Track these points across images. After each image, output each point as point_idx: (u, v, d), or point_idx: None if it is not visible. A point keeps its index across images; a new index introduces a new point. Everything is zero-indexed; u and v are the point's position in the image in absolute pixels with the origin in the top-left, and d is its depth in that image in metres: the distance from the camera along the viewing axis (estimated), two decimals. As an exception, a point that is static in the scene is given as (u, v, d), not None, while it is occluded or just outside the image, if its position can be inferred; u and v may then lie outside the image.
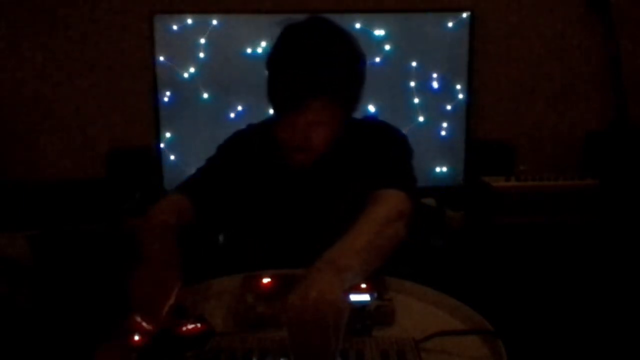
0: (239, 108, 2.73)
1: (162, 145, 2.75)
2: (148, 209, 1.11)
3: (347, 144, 1.20)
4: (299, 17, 1.21)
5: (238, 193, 1.25)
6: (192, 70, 2.72)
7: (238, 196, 1.25)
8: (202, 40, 2.71)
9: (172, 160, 2.76)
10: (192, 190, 1.21)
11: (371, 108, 2.72)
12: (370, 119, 1.32)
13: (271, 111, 1.17)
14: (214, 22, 2.70)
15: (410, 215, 1.03)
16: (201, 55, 2.72)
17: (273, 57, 1.14)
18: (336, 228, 0.94)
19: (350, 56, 1.17)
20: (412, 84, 2.76)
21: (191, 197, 1.19)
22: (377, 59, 2.72)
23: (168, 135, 2.76)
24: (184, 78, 2.73)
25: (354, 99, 1.19)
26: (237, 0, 2.76)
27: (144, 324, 0.85)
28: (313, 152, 1.15)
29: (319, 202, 1.23)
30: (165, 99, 2.74)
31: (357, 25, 2.70)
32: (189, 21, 2.71)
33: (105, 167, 2.79)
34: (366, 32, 2.71)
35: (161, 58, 2.71)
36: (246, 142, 1.31)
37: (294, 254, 1.12)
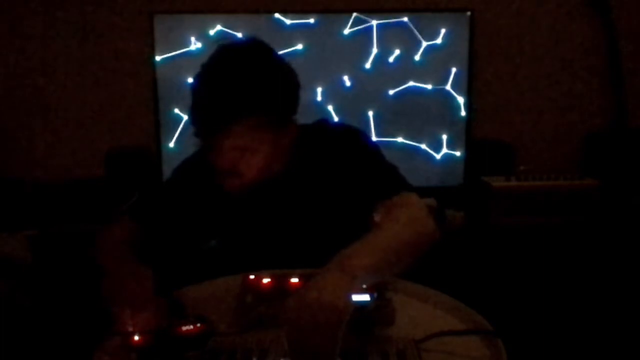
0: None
1: (161, 145, 2.75)
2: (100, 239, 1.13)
3: (305, 157, 1.18)
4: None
5: (190, 217, 1.24)
6: (191, 70, 2.72)
7: (190, 219, 1.24)
8: (202, 40, 2.71)
9: (172, 161, 2.75)
10: (139, 214, 1.22)
11: (370, 108, 2.73)
12: (322, 124, 1.29)
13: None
14: (214, 22, 2.70)
15: (431, 210, 1.04)
16: (201, 55, 2.71)
17: (199, 77, 1.10)
18: (311, 244, 0.93)
19: (278, 80, 1.12)
20: (412, 83, 2.76)
21: (137, 222, 1.20)
22: (377, 59, 2.72)
23: (168, 135, 2.76)
24: (183, 78, 2.73)
25: (284, 123, 1.14)
26: (237, 0, 2.76)
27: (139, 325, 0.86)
28: (245, 178, 1.11)
29: (286, 221, 1.20)
30: (165, 99, 2.73)
31: (356, 25, 2.70)
32: (189, 21, 2.70)
33: (105, 167, 2.79)
34: (365, 31, 2.71)
35: (161, 58, 2.71)
36: (198, 165, 1.26)
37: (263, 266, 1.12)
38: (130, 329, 0.85)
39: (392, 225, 0.96)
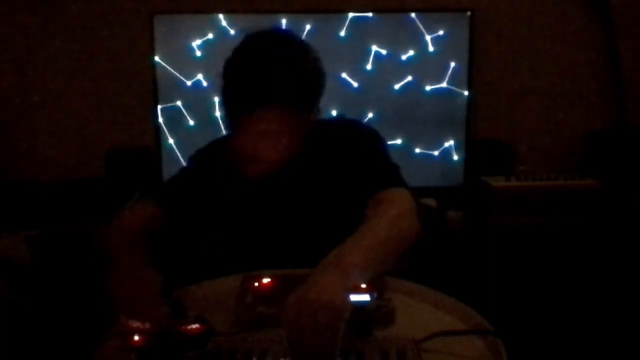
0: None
1: (161, 145, 2.75)
2: (115, 216, 1.13)
3: (314, 147, 1.19)
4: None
5: (205, 203, 1.25)
6: (191, 70, 2.72)
7: (206, 206, 1.25)
8: (202, 40, 2.71)
9: (172, 160, 2.76)
10: (162, 197, 1.23)
11: (371, 108, 2.73)
12: (337, 119, 1.30)
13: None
14: (214, 22, 2.70)
15: (418, 209, 1.04)
16: (201, 55, 2.72)
17: (229, 63, 1.12)
18: (312, 234, 0.93)
19: (306, 70, 1.13)
20: (412, 84, 2.76)
21: (161, 205, 1.20)
22: (376, 60, 2.72)
23: (167, 135, 2.76)
24: (183, 78, 2.73)
25: (309, 111, 1.16)
26: (237, 0, 2.76)
27: (140, 325, 0.86)
28: (267, 164, 1.13)
29: (291, 210, 1.22)
30: (165, 99, 2.74)
31: (355, 25, 2.70)
32: (189, 21, 2.71)
33: (105, 167, 2.79)
34: (365, 32, 2.71)
35: (161, 58, 2.71)
36: (215, 153, 1.30)
37: (270, 260, 1.12)
38: (131, 330, 0.85)
39: (380, 222, 0.96)
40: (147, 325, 0.86)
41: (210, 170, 1.26)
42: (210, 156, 1.29)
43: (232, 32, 2.71)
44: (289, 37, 1.15)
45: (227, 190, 1.24)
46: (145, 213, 1.18)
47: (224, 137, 1.32)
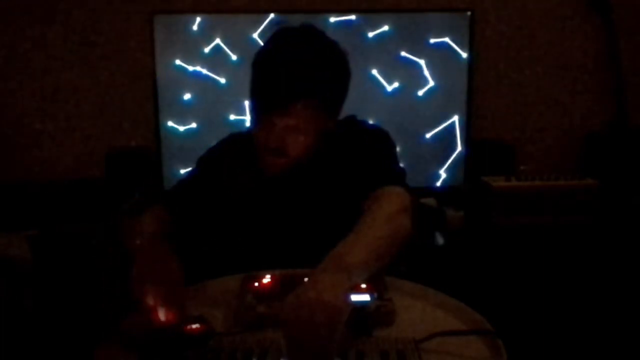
0: (240, 109, 2.73)
1: (161, 145, 2.75)
2: (131, 224, 1.13)
3: (328, 147, 1.20)
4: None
5: (217, 202, 1.26)
6: (192, 70, 2.72)
7: (217, 205, 1.26)
8: (203, 40, 2.71)
9: (172, 161, 2.76)
10: (170, 202, 1.24)
11: (370, 108, 2.73)
12: (349, 119, 1.32)
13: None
14: (214, 22, 2.70)
15: (412, 208, 1.04)
16: (201, 55, 2.72)
17: (261, 57, 1.15)
18: (321, 233, 0.94)
19: (336, 68, 1.17)
20: (412, 84, 2.76)
21: (169, 210, 1.21)
22: (375, 61, 2.72)
23: (168, 135, 2.76)
24: (184, 78, 2.73)
25: (335, 110, 1.20)
26: (237, 1, 2.76)
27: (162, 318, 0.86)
28: (288, 159, 1.15)
29: (301, 208, 1.22)
30: (165, 99, 2.73)
31: (356, 25, 2.69)
32: (189, 21, 2.70)
33: (105, 167, 2.79)
34: (364, 32, 2.71)
35: (161, 58, 2.71)
36: (230, 148, 1.31)
37: (278, 258, 1.13)
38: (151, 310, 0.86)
39: (376, 220, 0.97)
40: (171, 312, 0.86)
41: (224, 165, 1.27)
42: (225, 151, 1.31)
43: (231, 31, 2.71)
44: (320, 35, 1.18)
45: (241, 184, 1.25)
46: (161, 218, 1.18)
47: (238, 133, 1.35)
